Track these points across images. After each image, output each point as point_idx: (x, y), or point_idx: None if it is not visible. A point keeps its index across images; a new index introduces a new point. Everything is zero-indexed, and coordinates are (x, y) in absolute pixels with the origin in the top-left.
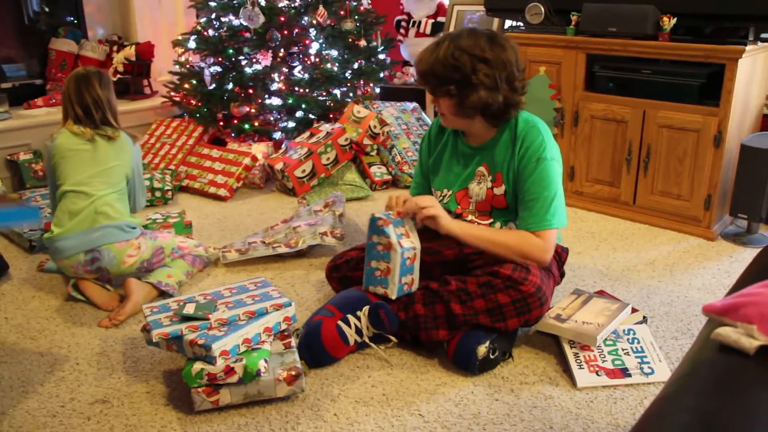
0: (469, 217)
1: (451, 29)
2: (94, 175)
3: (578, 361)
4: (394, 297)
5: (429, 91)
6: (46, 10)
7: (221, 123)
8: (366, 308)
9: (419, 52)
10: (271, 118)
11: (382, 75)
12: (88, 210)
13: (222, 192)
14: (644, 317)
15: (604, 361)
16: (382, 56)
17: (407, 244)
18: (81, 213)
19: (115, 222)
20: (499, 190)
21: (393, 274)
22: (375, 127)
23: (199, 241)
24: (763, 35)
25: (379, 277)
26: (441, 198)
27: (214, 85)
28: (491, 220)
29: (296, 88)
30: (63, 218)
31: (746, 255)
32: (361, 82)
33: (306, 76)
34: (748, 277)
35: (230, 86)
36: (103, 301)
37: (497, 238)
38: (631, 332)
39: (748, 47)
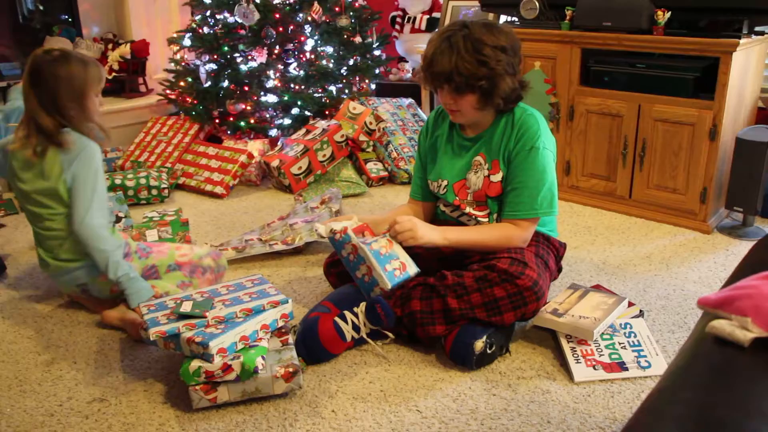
0: (467, 209)
1: (447, 24)
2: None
3: (575, 355)
4: (389, 287)
5: (451, 89)
6: (41, 8)
7: (217, 120)
8: (363, 304)
9: (425, 53)
10: (267, 116)
11: (377, 71)
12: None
13: (218, 190)
14: (641, 311)
15: (601, 356)
16: (377, 52)
17: (370, 238)
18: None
19: (87, 261)
20: (496, 177)
21: (375, 268)
22: (371, 123)
23: (211, 249)
24: (758, 28)
25: (369, 281)
26: (437, 189)
27: (209, 83)
28: (488, 211)
29: (292, 85)
30: (44, 258)
31: (742, 248)
32: (357, 78)
33: (301, 72)
34: (743, 270)
35: (226, 84)
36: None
37: (478, 239)
38: (628, 326)
39: (743, 40)
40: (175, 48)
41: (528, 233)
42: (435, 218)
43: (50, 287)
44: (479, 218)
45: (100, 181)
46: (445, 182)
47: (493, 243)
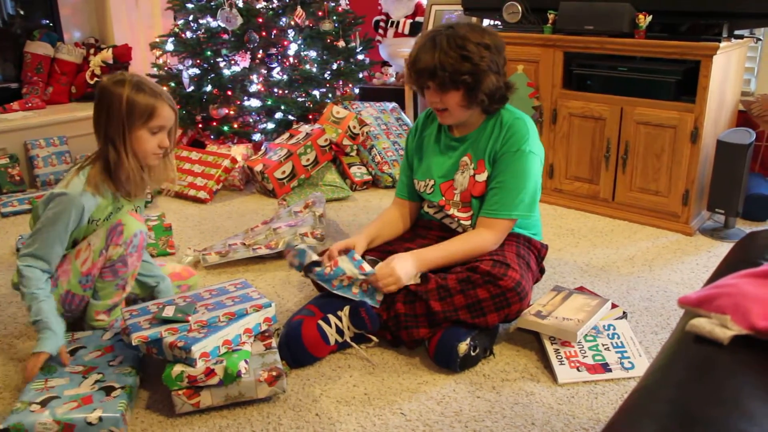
0: (451, 210)
1: (430, 28)
2: None
3: (559, 357)
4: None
5: (435, 86)
6: (21, 13)
7: (200, 125)
8: (347, 308)
9: (411, 52)
10: (251, 120)
11: (361, 75)
12: None
13: (202, 194)
14: (624, 312)
15: (584, 357)
16: (360, 57)
17: (368, 268)
18: None
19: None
20: (481, 177)
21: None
22: (354, 127)
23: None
24: (737, 32)
25: (368, 289)
26: (424, 189)
27: (192, 88)
28: (471, 212)
29: (275, 90)
30: None
31: (724, 249)
32: (340, 82)
33: (285, 77)
34: (723, 270)
35: (209, 88)
36: None
37: (450, 253)
38: (612, 327)
39: (723, 44)
40: (158, 53)
41: (501, 235)
42: (418, 219)
43: None
44: (461, 220)
45: (52, 229)
46: (432, 182)
47: (466, 254)
